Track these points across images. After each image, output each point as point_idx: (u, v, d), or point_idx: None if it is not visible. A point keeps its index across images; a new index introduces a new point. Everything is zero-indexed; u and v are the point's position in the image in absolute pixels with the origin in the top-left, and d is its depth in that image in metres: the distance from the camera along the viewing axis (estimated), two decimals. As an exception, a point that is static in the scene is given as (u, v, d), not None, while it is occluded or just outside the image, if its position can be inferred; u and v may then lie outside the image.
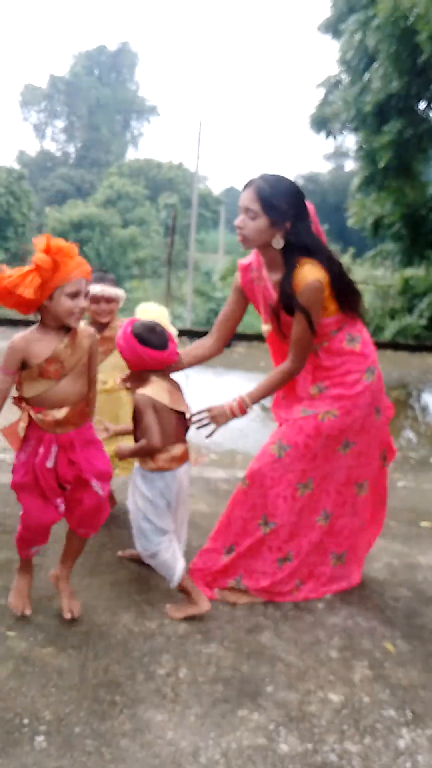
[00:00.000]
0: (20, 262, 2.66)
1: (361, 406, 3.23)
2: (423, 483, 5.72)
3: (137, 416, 3.07)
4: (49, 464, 2.83)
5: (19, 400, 2.83)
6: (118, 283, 4.01)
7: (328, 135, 17.56)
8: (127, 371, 3.26)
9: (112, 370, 3.86)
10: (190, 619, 3.11)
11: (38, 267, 2.57)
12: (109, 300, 3.86)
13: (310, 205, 3.19)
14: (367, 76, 14.52)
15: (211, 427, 3.27)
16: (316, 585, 3.40)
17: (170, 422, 3.09)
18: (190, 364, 3.45)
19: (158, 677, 2.69)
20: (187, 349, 3.46)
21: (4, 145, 69.71)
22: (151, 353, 3.00)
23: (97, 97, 60.06)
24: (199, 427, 3.26)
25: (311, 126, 17.59)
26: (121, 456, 3.13)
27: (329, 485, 3.30)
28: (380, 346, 15.04)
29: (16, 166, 41.51)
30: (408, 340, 15.98)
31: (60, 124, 62.95)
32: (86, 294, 2.75)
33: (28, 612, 3.02)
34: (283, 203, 3.04)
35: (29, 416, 2.80)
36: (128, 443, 3.22)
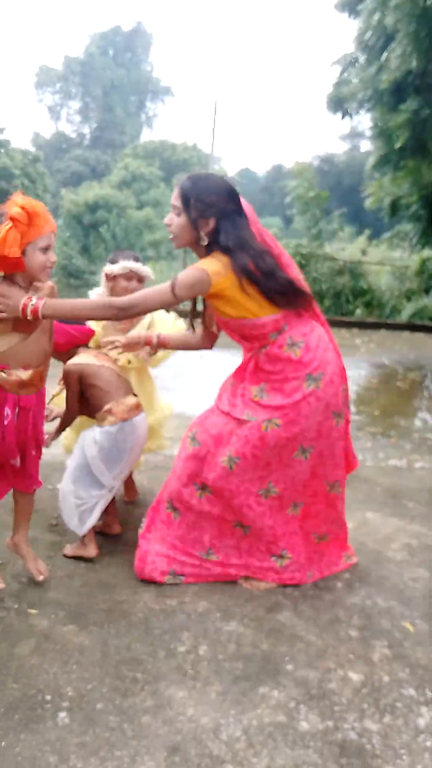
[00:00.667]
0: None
1: (308, 415, 3.07)
2: (441, 464, 5.71)
3: (67, 385, 3.37)
4: (7, 422, 2.87)
5: None
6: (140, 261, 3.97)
7: (344, 115, 17.44)
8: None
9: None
10: (210, 597, 3.13)
11: (15, 221, 2.60)
12: (141, 279, 3.85)
13: (247, 206, 3.13)
14: (384, 55, 14.37)
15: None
16: (321, 566, 3.42)
17: (113, 377, 3.40)
18: (177, 348, 3.63)
19: (179, 654, 2.71)
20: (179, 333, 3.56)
21: (20, 127, 69.64)
22: (78, 328, 3.31)
23: (112, 78, 59.87)
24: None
25: (328, 106, 17.48)
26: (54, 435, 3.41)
27: (295, 485, 3.20)
28: (396, 327, 15.06)
29: (32, 148, 41.57)
30: (425, 321, 15.92)
31: (75, 105, 62.88)
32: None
33: (1, 586, 3.08)
34: (206, 200, 2.99)
35: None
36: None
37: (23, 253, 2.68)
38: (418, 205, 15.90)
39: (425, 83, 14.00)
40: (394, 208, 16.44)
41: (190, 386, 7.41)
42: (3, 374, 2.80)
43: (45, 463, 4.38)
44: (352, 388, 8.84)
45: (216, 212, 3.01)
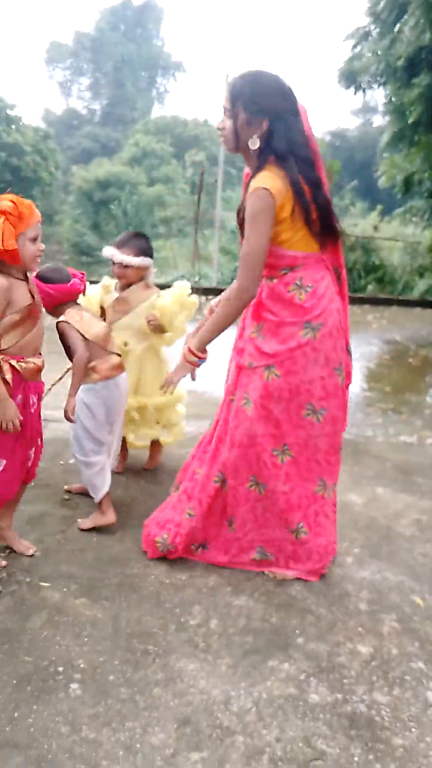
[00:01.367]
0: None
1: (305, 366, 2.94)
2: (452, 441, 5.70)
3: (64, 341, 3.39)
4: (34, 410, 3.01)
5: None
6: (146, 250, 3.97)
7: (357, 90, 17.25)
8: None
9: (122, 331, 3.97)
10: (220, 571, 3.15)
11: (7, 214, 2.68)
12: (126, 266, 3.90)
13: (302, 107, 2.92)
14: (397, 27, 14.18)
15: (174, 385, 3.20)
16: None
17: (97, 340, 3.45)
18: None
19: (190, 628, 2.74)
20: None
21: (30, 104, 69.28)
22: (55, 287, 3.30)
23: (123, 53, 59.43)
24: (166, 392, 3.26)
25: (340, 80, 17.25)
26: (73, 389, 3.34)
27: (314, 454, 3.06)
28: (408, 303, 14.90)
29: (42, 125, 41.39)
30: (437, 297, 15.82)
31: (85, 81, 62.51)
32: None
33: (3, 564, 3.10)
34: (258, 100, 2.80)
35: (11, 366, 2.85)
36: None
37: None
38: (431, 182, 15.75)
39: (439, 57, 13.82)
40: (408, 184, 16.28)
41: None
42: (22, 364, 2.86)
43: (56, 439, 4.42)
44: (364, 364, 8.83)
45: (269, 113, 2.82)
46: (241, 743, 2.18)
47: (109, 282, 4.09)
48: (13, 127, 32.83)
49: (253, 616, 2.85)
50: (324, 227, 2.96)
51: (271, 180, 2.78)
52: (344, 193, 21.33)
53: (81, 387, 3.39)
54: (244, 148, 2.94)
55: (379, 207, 23.28)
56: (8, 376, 2.84)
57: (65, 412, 3.23)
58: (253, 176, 2.86)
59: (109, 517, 3.50)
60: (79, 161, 42.92)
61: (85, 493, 3.75)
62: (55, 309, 3.39)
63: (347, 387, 3.11)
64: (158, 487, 4.02)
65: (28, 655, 2.50)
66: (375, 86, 16.57)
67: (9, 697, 2.29)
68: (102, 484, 3.47)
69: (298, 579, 3.13)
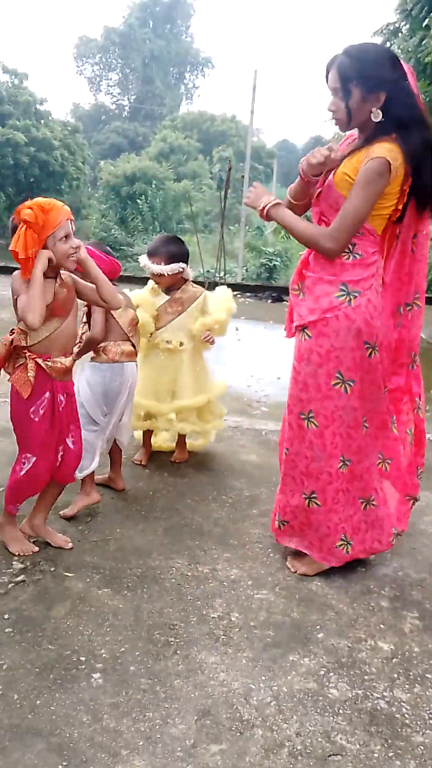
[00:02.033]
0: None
1: (337, 331, 2.88)
2: None
3: (89, 316, 3.56)
4: (62, 408, 3.04)
5: (21, 350, 2.91)
6: (177, 255, 4.03)
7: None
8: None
9: (176, 331, 4.09)
10: (241, 565, 3.16)
11: (28, 223, 2.72)
12: (160, 275, 4.00)
13: (408, 68, 2.86)
14: (425, 22, 14.08)
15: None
16: (365, 538, 3.20)
17: (118, 323, 3.59)
18: None
19: (211, 620, 2.75)
20: None
21: (59, 99, 69.44)
22: (98, 258, 3.31)
23: (152, 49, 59.39)
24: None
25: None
26: (75, 356, 3.31)
27: (338, 427, 2.99)
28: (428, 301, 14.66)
29: (71, 120, 41.48)
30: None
31: (114, 77, 62.49)
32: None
33: (36, 549, 3.14)
34: (370, 74, 2.73)
35: (36, 365, 2.89)
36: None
37: (45, 245, 2.79)
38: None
39: (468, 54, 13.71)
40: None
41: (226, 359, 7.41)
42: (49, 363, 2.91)
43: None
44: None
45: (384, 86, 2.76)
46: (260, 736, 2.18)
47: (155, 284, 4.17)
48: (42, 122, 32.90)
49: (274, 610, 2.86)
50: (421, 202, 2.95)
51: (392, 153, 2.74)
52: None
53: (88, 364, 3.60)
54: (360, 124, 2.88)
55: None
56: (31, 374, 2.87)
57: None
58: (368, 143, 2.82)
59: (94, 496, 3.62)
60: (106, 156, 42.93)
61: (104, 484, 3.84)
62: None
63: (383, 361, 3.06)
64: (181, 480, 4.04)
65: (51, 643, 2.53)
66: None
67: (32, 685, 2.32)
68: (88, 465, 3.52)
69: (320, 574, 3.13)
